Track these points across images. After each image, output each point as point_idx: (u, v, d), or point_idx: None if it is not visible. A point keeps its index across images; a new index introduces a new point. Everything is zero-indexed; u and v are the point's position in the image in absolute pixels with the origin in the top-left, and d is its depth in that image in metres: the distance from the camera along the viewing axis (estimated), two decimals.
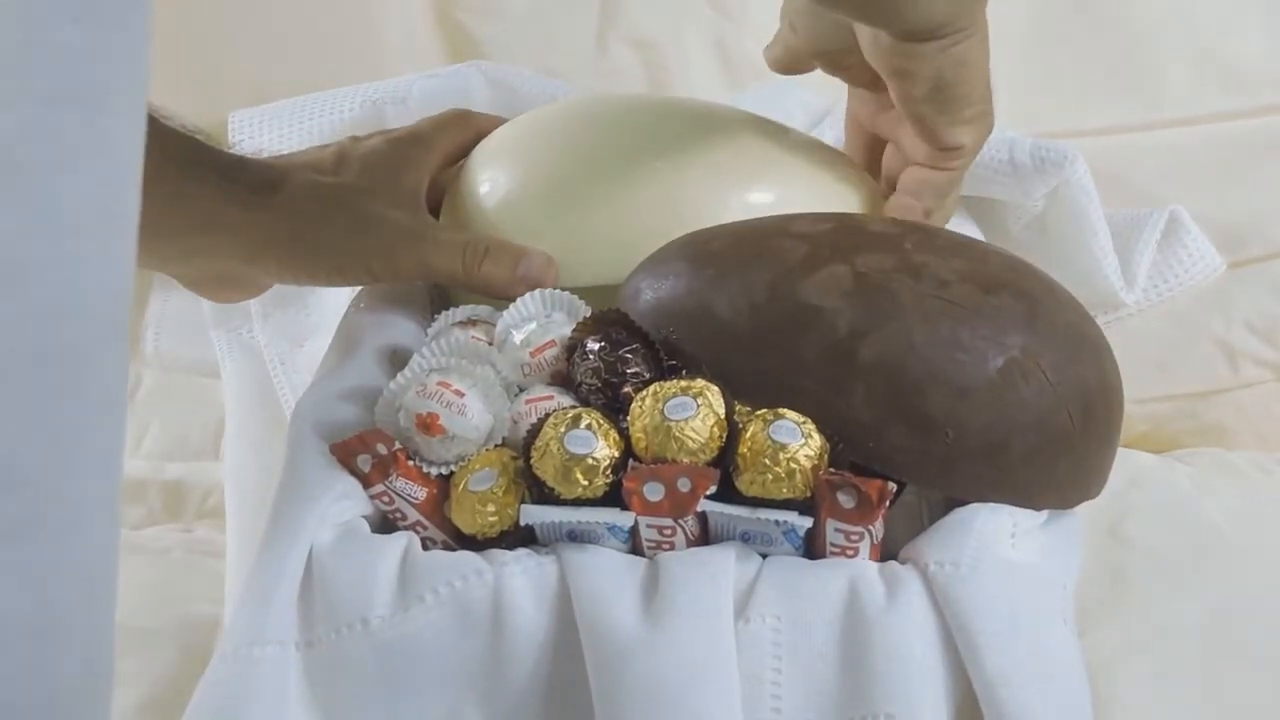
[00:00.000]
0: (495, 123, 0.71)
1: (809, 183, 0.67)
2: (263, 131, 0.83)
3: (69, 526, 0.33)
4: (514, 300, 0.63)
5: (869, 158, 0.74)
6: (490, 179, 0.68)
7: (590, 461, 0.53)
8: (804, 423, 0.53)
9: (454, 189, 0.70)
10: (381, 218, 0.64)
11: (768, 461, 0.52)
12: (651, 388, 0.55)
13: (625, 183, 0.66)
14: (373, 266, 0.65)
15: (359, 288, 0.71)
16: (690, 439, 0.53)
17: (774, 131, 0.71)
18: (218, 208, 0.62)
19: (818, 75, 0.96)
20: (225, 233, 0.63)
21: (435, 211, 0.70)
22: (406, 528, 0.56)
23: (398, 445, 0.56)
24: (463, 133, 0.70)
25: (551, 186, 0.67)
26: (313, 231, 0.64)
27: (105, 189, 0.33)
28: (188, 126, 0.65)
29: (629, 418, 0.55)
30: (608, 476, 0.53)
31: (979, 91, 0.64)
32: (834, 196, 0.68)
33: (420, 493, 0.56)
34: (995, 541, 0.53)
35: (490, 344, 0.63)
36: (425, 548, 0.54)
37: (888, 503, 0.51)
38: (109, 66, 0.33)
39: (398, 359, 0.64)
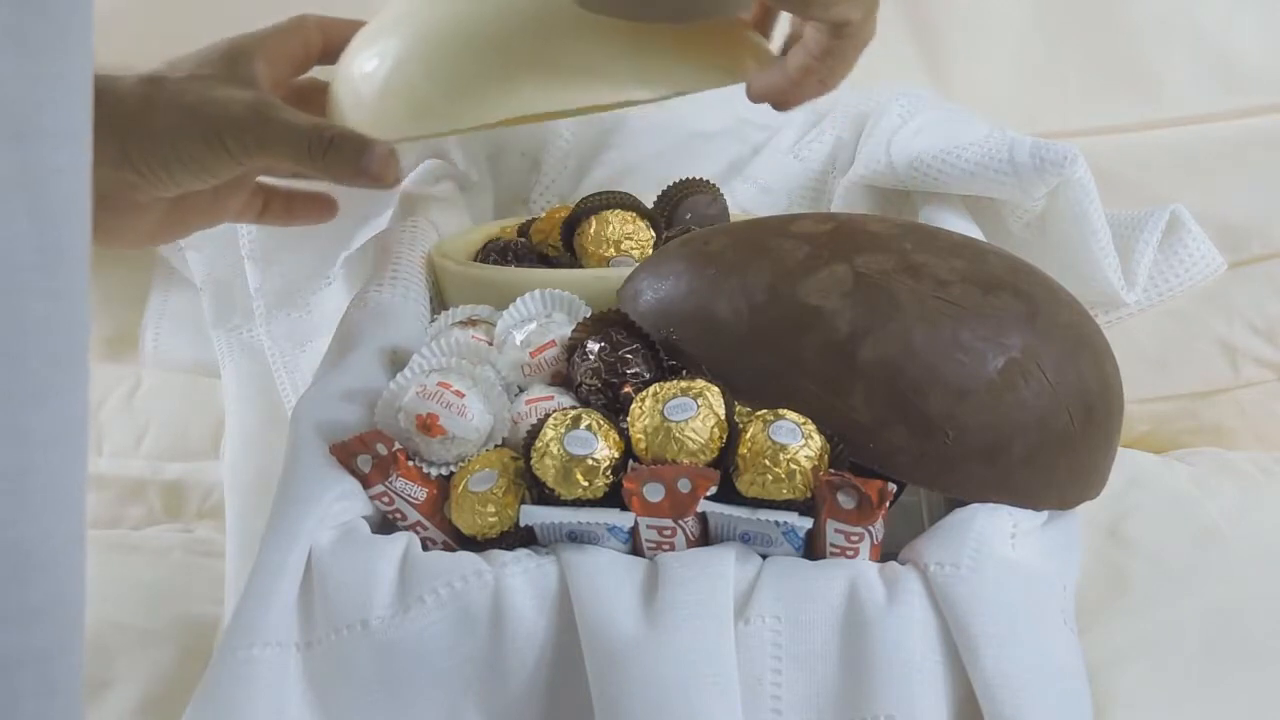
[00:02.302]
0: (337, 21, 0.69)
1: (690, 37, 0.65)
2: None
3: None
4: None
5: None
6: (358, 56, 0.66)
7: (590, 462, 0.53)
8: (804, 423, 0.53)
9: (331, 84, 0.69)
10: (215, 97, 0.62)
11: (768, 462, 0.52)
12: (652, 388, 0.55)
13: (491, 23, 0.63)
14: (214, 145, 0.61)
15: (359, 288, 0.71)
16: (690, 440, 0.53)
17: None
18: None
19: None
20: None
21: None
22: (406, 528, 0.56)
23: (398, 446, 0.56)
24: (305, 32, 0.68)
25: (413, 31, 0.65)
26: (146, 120, 0.61)
27: (42, 221, 0.33)
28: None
29: (629, 418, 0.55)
30: (608, 477, 0.53)
31: None
32: (719, 46, 0.65)
33: (420, 493, 0.56)
34: (995, 542, 0.53)
35: (490, 344, 0.63)
36: (425, 548, 0.54)
37: (888, 503, 0.51)
38: (45, 95, 0.33)
39: (398, 359, 0.64)
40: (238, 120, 0.61)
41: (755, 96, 0.64)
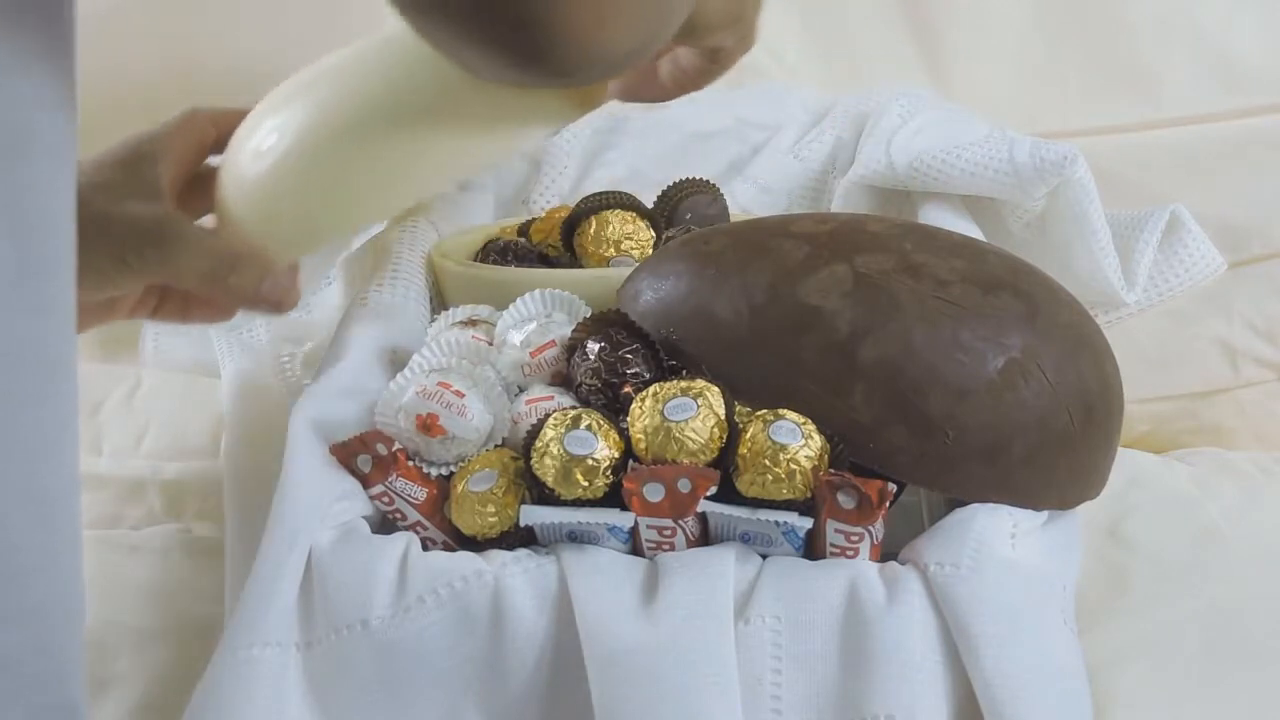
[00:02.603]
0: (227, 112, 0.69)
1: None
2: None
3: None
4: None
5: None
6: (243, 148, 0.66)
7: (590, 462, 0.53)
8: (804, 423, 0.53)
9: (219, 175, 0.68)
10: (121, 213, 0.61)
11: (768, 462, 0.52)
12: (652, 388, 0.55)
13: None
14: (118, 262, 0.60)
15: (359, 288, 0.71)
16: (690, 440, 0.53)
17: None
18: None
19: (818, 75, 0.96)
20: None
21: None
22: (406, 528, 0.56)
23: (398, 446, 0.56)
24: (199, 130, 0.68)
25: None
26: None
27: (21, 238, 0.34)
28: None
29: (629, 418, 0.55)
30: (608, 477, 0.53)
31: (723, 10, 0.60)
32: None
33: (420, 493, 0.56)
34: (995, 542, 0.53)
35: (490, 344, 0.63)
36: (425, 548, 0.54)
37: (888, 503, 0.51)
38: (25, 114, 0.34)
39: (398, 359, 0.64)
40: (143, 238, 0.60)
41: (624, 98, 0.65)
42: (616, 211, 0.72)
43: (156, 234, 0.60)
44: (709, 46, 0.60)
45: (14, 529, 0.36)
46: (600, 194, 0.73)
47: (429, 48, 0.53)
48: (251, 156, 0.63)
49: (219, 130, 0.67)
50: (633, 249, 0.71)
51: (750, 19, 0.60)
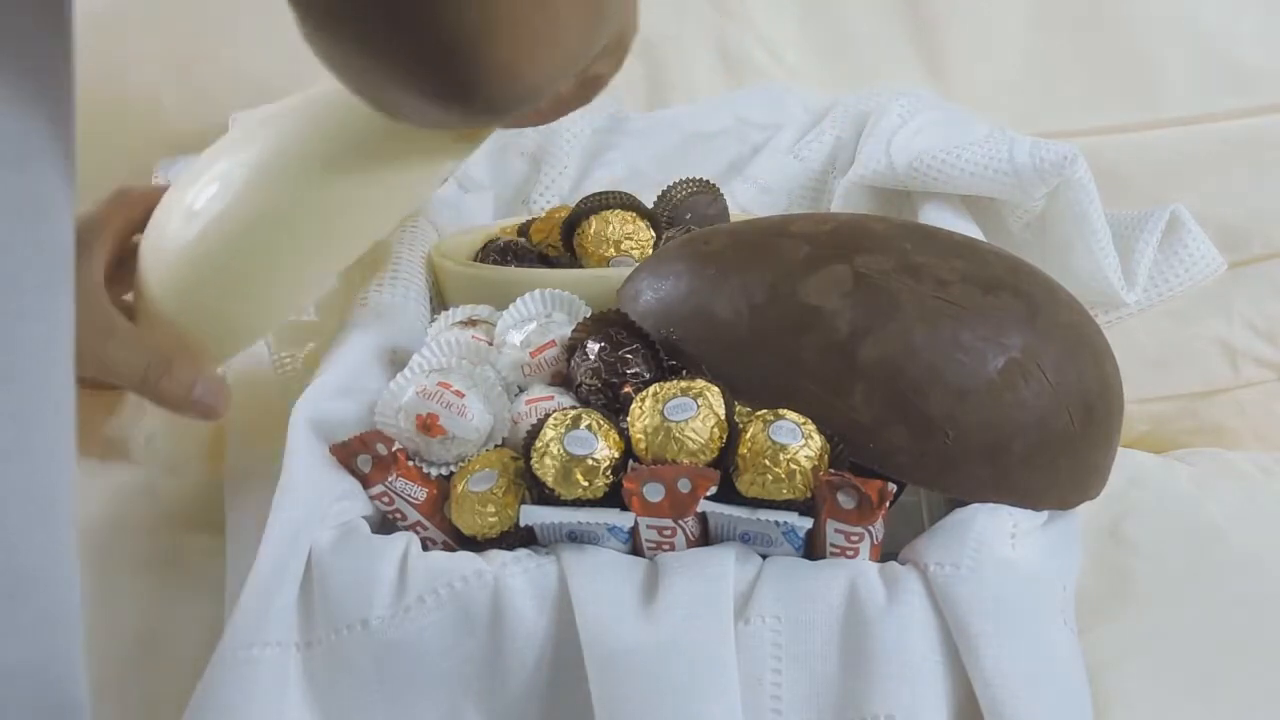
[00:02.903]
0: (157, 190, 0.69)
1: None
2: None
3: None
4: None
5: None
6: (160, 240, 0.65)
7: (590, 462, 0.53)
8: (804, 423, 0.53)
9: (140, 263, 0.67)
10: None
11: (768, 462, 0.52)
12: (652, 388, 0.55)
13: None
14: None
15: (359, 288, 0.71)
16: (690, 440, 0.53)
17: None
18: None
19: (818, 75, 0.96)
20: None
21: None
22: (406, 528, 0.56)
23: (398, 446, 0.56)
24: (129, 209, 0.68)
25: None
26: None
27: (41, 248, 0.34)
28: None
29: (629, 418, 0.55)
30: (608, 477, 0.53)
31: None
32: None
33: (420, 493, 0.56)
34: (995, 542, 0.53)
35: (490, 344, 0.63)
36: (425, 548, 0.54)
37: (888, 503, 0.51)
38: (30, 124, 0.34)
39: (398, 359, 0.64)
40: (79, 341, 0.61)
41: (503, 125, 0.65)
42: (616, 211, 0.72)
43: (93, 338, 0.60)
44: (589, 75, 0.58)
45: (14, 531, 0.36)
46: (600, 194, 0.73)
47: (330, 114, 0.54)
48: (168, 242, 0.63)
49: (147, 209, 0.67)
50: (633, 249, 0.71)
51: (627, 44, 0.59)
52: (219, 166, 0.63)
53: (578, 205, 0.73)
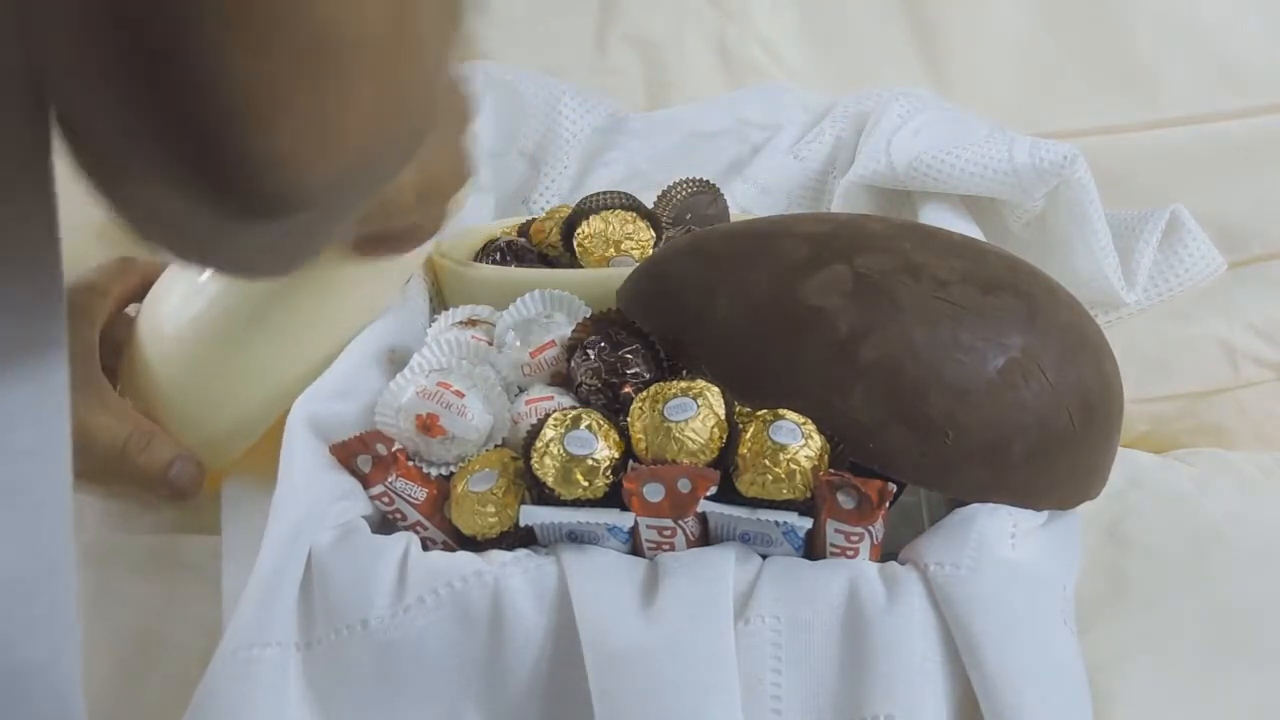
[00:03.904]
0: (158, 268, 0.69)
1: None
2: None
3: None
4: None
5: None
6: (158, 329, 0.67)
7: (590, 462, 0.53)
8: (804, 423, 0.53)
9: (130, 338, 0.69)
10: None
11: (768, 462, 0.52)
12: (652, 388, 0.55)
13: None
14: None
15: None
16: (690, 440, 0.53)
17: None
18: None
19: (818, 75, 0.96)
20: None
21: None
22: (406, 528, 0.56)
23: (398, 446, 0.56)
24: (130, 279, 0.67)
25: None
26: None
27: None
28: None
29: (629, 418, 0.55)
30: (608, 477, 0.53)
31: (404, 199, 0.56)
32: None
33: (420, 493, 0.56)
34: (995, 542, 0.53)
35: (490, 344, 0.63)
36: (425, 548, 0.54)
37: (888, 503, 0.51)
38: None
39: (398, 359, 0.64)
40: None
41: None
42: (616, 211, 0.72)
43: (77, 395, 0.61)
44: (406, 223, 0.58)
45: (10, 541, 0.36)
46: (600, 194, 0.73)
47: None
48: (166, 319, 0.65)
49: (147, 282, 0.67)
50: (633, 249, 0.71)
51: (446, 191, 0.56)
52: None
53: (578, 205, 0.73)
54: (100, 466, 0.63)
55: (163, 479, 0.63)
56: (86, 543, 0.72)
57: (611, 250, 0.71)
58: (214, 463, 0.64)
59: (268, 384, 0.63)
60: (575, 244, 0.72)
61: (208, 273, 0.65)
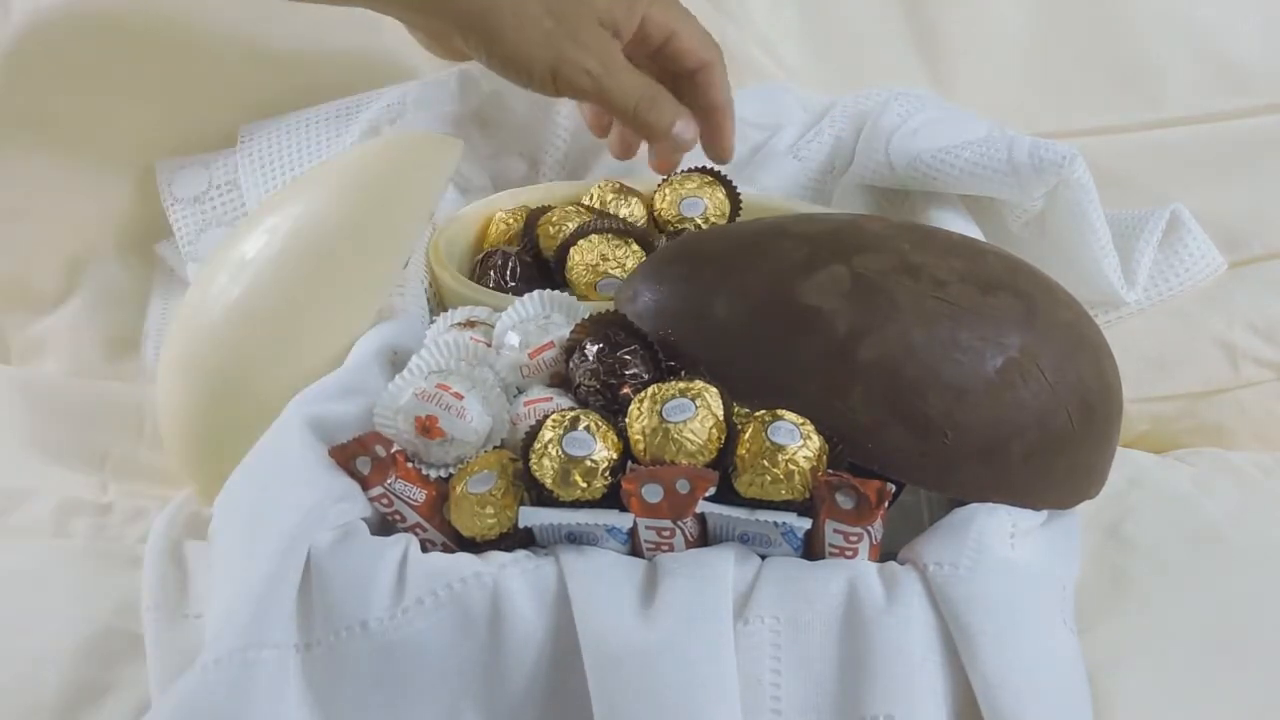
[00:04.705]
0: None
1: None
2: (271, 144, 0.84)
3: None
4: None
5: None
6: None
7: (589, 463, 0.53)
8: (802, 424, 0.53)
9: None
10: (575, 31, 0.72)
11: (766, 463, 0.52)
12: (650, 389, 0.55)
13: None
14: (561, 67, 0.72)
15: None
16: (689, 440, 0.53)
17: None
18: None
19: (818, 75, 0.96)
20: None
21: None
22: (405, 530, 0.56)
23: (396, 447, 0.56)
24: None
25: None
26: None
27: None
28: None
29: (627, 419, 0.55)
30: (606, 478, 0.53)
31: None
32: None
33: (419, 495, 0.56)
34: (994, 542, 0.53)
35: (489, 345, 0.63)
36: (424, 550, 0.54)
37: (886, 503, 0.51)
38: None
39: (397, 359, 0.64)
40: (578, 64, 0.72)
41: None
42: (605, 236, 0.72)
43: (596, 59, 0.73)
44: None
45: None
46: (590, 220, 0.73)
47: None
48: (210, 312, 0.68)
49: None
50: (614, 269, 0.70)
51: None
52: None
53: (565, 239, 0.72)
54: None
55: (668, 133, 0.75)
56: (80, 547, 0.73)
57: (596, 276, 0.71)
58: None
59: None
60: (566, 273, 0.72)
61: (251, 253, 0.68)
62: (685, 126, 0.75)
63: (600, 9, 0.73)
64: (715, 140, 0.80)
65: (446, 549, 0.56)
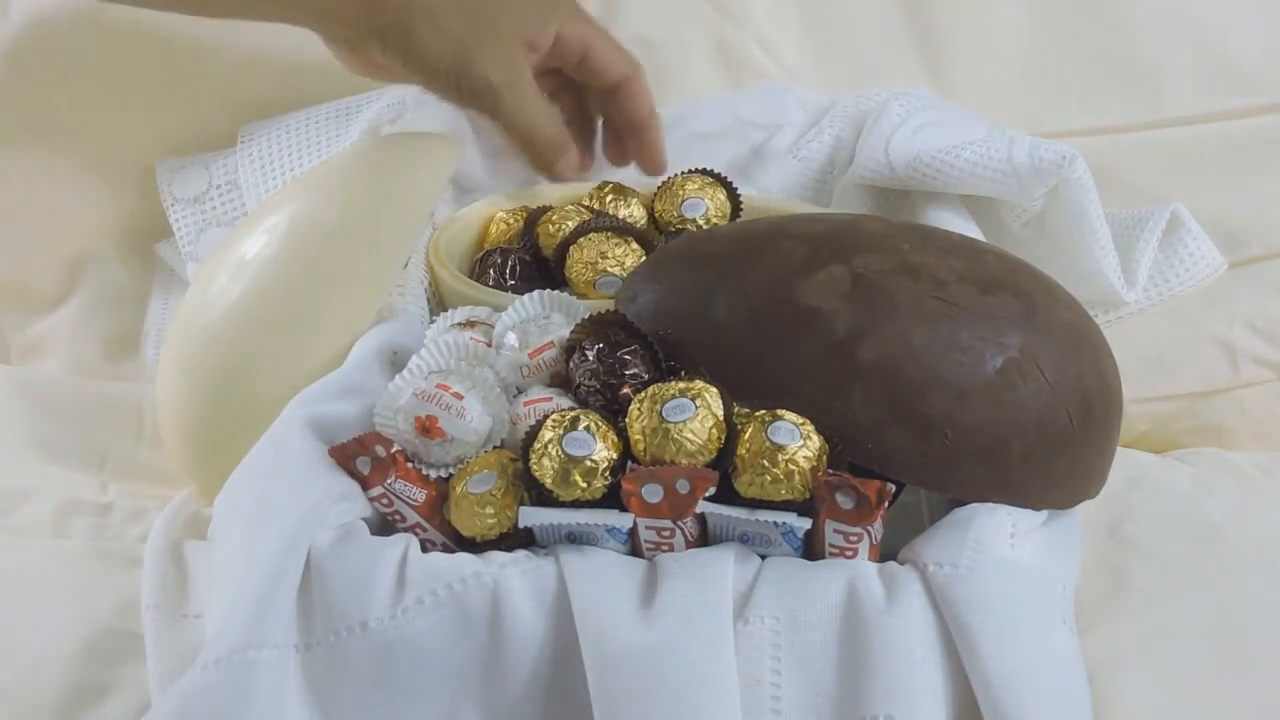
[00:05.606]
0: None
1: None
2: (271, 144, 0.84)
3: None
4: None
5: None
6: None
7: (589, 463, 0.53)
8: (802, 424, 0.53)
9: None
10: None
11: (766, 463, 0.52)
12: (650, 389, 0.55)
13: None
14: (467, 71, 0.72)
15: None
16: (689, 440, 0.53)
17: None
18: None
19: (818, 75, 0.96)
20: None
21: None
22: (405, 530, 0.56)
23: (396, 447, 0.56)
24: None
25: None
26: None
27: None
28: None
29: (627, 419, 0.55)
30: (606, 478, 0.53)
31: None
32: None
33: (419, 495, 0.56)
34: (994, 542, 0.53)
35: (489, 345, 0.63)
36: (424, 550, 0.54)
37: (886, 504, 0.51)
38: None
39: (397, 359, 0.64)
40: (504, 93, 0.74)
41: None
42: (605, 234, 0.72)
43: (510, 90, 0.75)
44: None
45: None
46: (590, 219, 0.73)
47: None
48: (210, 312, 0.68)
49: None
50: (613, 267, 0.70)
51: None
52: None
53: (564, 237, 0.72)
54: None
55: (550, 169, 0.79)
56: (80, 547, 0.73)
57: (596, 274, 0.71)
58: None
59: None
60: (565, 271, 0.72)
61: (251, 253, 0.68)
62: (567, 164, 0.79)
63: (515, 22, 0.73)
64: (645, 154, 0.81)
65: (446, 549, 0.56)
